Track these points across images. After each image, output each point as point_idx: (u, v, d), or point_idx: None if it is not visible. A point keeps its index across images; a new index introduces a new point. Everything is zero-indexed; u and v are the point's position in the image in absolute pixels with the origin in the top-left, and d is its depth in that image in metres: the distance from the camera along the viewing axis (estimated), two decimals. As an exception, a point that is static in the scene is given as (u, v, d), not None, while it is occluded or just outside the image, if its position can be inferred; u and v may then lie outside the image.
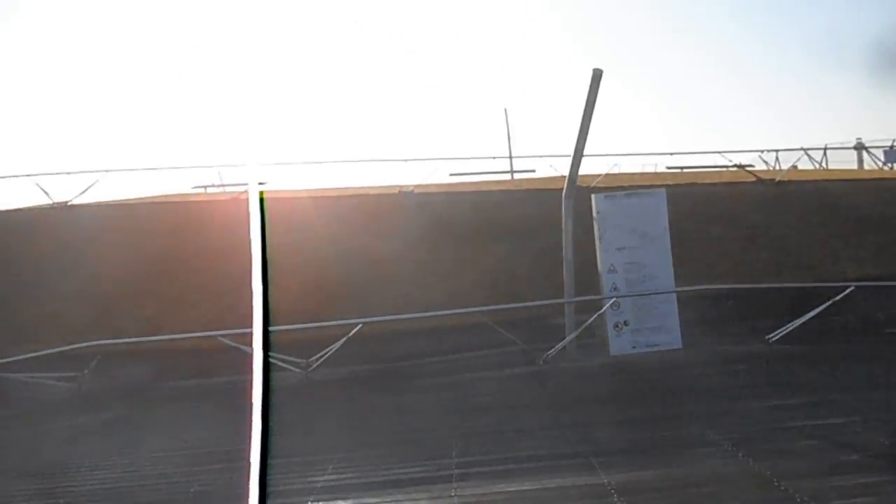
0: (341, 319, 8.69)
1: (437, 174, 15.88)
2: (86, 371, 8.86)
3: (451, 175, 16.87)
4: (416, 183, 14.94)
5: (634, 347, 9.05)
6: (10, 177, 14.17)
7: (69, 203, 13.79)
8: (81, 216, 13.26)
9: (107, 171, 14.35)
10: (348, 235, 11.77)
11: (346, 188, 14.72)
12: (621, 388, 7.54)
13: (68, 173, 14.11)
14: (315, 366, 8.45)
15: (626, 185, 12.79)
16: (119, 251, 12.67)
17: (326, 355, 8.42)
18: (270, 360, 1.67)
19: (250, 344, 1.47)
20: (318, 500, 4.62)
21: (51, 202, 13.82)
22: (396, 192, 14.42)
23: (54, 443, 7.07)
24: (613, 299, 9.02)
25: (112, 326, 9.91)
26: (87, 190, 14.07)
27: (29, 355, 8.88)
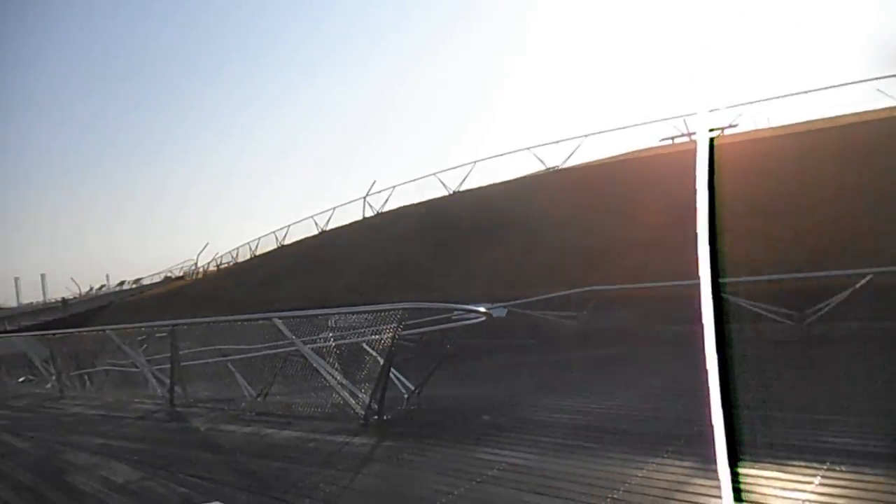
0: (843, 269, 7.65)
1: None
2: (584, 312, 10.23)
3: None
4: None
5: None
6: (515, 151, 17.20)
7: (558, 168, 15.96)
8: (569, 177, 15.16)
9: (585, 136, 16.00)
10: (834, 173, 10.22)
11: (819, 119, 12.74)
12: None
13: (556, 142, 16.31)
14: (811, 319, 7.70)
15: None
16: (598, 207, 14.02)
17: (826, 308, 7.57)
18: (724, 308, 1.66)
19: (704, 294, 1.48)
20: (836, 464, 4.29)
21: (545, 168, 16.24)
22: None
23: (568, 369, 8.45)
24: None
25: (601, 274, 11.11)
26: (571, 155, 16.01)
27: (540, 297, 10.75)
